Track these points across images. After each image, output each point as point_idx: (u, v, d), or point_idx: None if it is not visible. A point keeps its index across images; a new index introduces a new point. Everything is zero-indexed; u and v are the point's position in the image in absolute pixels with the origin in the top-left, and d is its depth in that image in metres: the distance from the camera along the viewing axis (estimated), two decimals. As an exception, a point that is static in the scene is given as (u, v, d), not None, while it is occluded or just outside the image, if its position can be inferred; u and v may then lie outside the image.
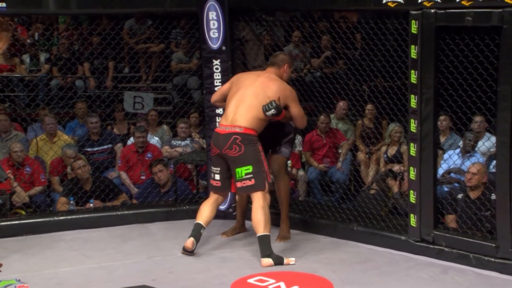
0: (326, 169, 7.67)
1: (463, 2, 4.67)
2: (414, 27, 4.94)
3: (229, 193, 5.81)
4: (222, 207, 6.01)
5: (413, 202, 5.19)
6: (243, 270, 4.94)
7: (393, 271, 4.94)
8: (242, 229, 5.84)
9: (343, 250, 5.42)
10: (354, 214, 5.86)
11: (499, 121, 4.69)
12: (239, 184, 5.14)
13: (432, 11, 4.84)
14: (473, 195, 5.46)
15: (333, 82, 6.46)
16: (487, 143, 6.28)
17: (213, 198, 5.33)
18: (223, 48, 6.04)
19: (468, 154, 6.43)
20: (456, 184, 6.15)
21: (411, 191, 5.21)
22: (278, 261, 5.00)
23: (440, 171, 6.14)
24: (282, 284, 4.63)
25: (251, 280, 4.73)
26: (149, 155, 7.42)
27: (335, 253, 5.33)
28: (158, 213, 6.33)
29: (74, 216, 6.19)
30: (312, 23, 7.39)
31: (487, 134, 6.64)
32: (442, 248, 5.09)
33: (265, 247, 5.01)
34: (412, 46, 4.98)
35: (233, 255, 5.32)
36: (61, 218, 6.14)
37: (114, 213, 6.26)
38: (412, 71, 5.02)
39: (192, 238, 5.21)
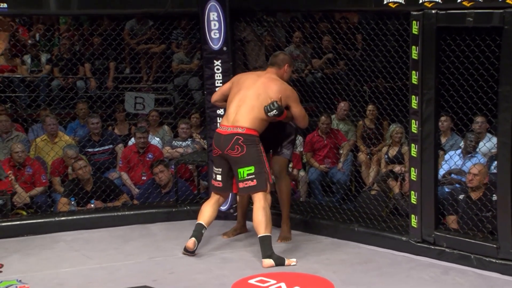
0: (327, 169, 7.67)
1: (464, 2, 4.67)
2: (415, 28, 4.94)
3: (230, 194, 5.81)
4: (223, 208, 6.01)
5: (414, 202, 5.19)
6: (244, 271, 4.94)
7: (394, 272, 4.94)
8: (243, 230, 5.84)
9: (344, 250, 5.42)
10: (355, 214, 5.86)
11: (500, 122, 4.69)
12: (241, 185, 5.14)
13: (433, 11, 4.84)
14: (474, 196, 5.46)
15: (334, 83, 6.46)
16: (488, 144, 6.27)
17: (214, 198, 5.34)
18: (224, 48, 6.05)
19: (469, 155, 6.42)
20: (457, 185, 6.15)
21: (412, 192, 5.20)
22: (279, 262, 5.00)
23: (441, 172, 6.14)
24: (283, 285, 4.63)
25: (252, 281, 4.73)
26: (150, 155, 7.42)
27: (336, 254, 5.33)
28: (159, 213, 6.34)
29: (75, 217, 6.20)
30: (313, 23, 7.40)
31: (488, 135, 6.63)
32: (443, 249, 5.09)
33: (266, 248, 5.01)
34: (413, 47, 4.98)
35: (234, 256, 5.32)
36: (62, 218, 6.14)
37: (115, 214, 6.26)
38: (413, 72, 5.02)
39: (193, 239, 5.21)
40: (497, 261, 4.81)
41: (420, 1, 4.88)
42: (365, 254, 5.34)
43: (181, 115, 8.09)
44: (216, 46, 6.06)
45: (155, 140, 7.90)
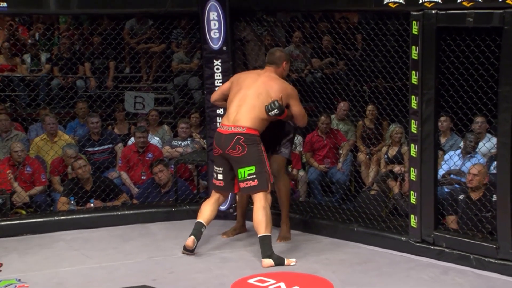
0: (327, 169, 7.67)
1: (464, 3, 4.67)
2: (415, 28, 4.94)
3: (230, 193, 5.82)
4: (222, 208, 6.02)
5: (414, 203, 5.19)
6: (243, 271, 4.94)
7: (394, 272, 4.94)
8: (242, 230, 5.84)
9: (343, 250, 5.42)
10: (354, 214, 5.86)
11: (500, 122, 4.69)
12: (241, 185, 5.14)
13: (433, 12, 4.84)
14: (474, 196, 5.46)
15: (334, 83, 6.46)
16: (487, 144, 6.28)
17: (214, 197, 5.34)
18: (224, 48, 6.05)
19: (469, 155, 6.42)
20: (456, 186, 6.15)
21: (412, 192, 5.20)
22: (279, 261, 5.00)
23: (441, 172, 6.14)
24: (282, 285, 4.63)
25: (251, 281, 4.73)
26: (149, 155, 7.42)
27: (335, 254, 5.33)
28: (159, 213, 6.34)
29: (74, 216, 6.20)
30: (312, 23, 7.39)
31: (488, 135, 6.63)
32: (443, 249, 5.09)
33: (266, 248, 5.01)
34: (413, 47, 4.98)
35: (233, 256, 5.32)
36: (62, 218, 6.14)
37: (115, 213, 6.27)
38: (413, 72, 5.02)
39: (192, 237, 5.22)
40: (496, 261, 4.81)
41: (420, 1, 4.89)
42: (365, 254, 5.34)
43: (180, 114, 8.09)
44: (216, 46, 6.06)
45: (154, 140, 7.90)
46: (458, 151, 6.54)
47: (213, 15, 5.99)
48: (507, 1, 4.49)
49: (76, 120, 8.45)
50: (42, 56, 9.85)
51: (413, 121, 5.09)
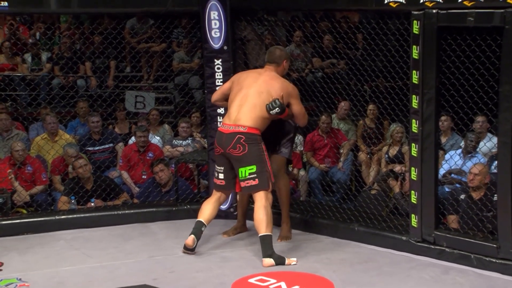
0: (327, 169, 7.67)
1: (465, 2, 4.67)
2: (415, 28, 4.93)
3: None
4: (223, 207, 6.02)
5: (414, 202, 5.19)
6: (244, 270, 4.94)
7: (394, 271, 4.94)
8: (243, 229, 5.84)
9: (344, 250, 5.42)
10: (355, 214, 5.86)
11: (501, 122, 4.69)
12: (242, 184, 5.14)
13: (434, 11, 4.83)
14: (475, 195, 5.46)
15: (335, 82, 6.46)
16: (488, 143, 6.27)
17: (215, 196, 5.34)
18: (225, 47, 6.04)
19: (470, 155, 6.42)
20: (457, 185, 6.15)
21: (412, 192, 5.20)
22: (280, 261, 5.00)
23: (442, 171, 6.14)
24: (283, 284, 4.63)
25: (252, 280, 4.73)
26: (150, 154, 7.42)
27: (336, 253, 5.33)
28: (159, 212, 6.34)
29: (75, 215, 6.20)
30: (313, 23, 7.39)
31: (489, 134, 6.63)
32: (443, 248, 5.09)
33: (266, 247, 5.01)
34: (414, 47, 4.98)
35: (234, 255, 5.32)
36: (62, 217, 6.14)
37: (115, 213, 6.26)
38: (414, 72, 5.01)
39: (192, 236, 5.22)
40: (497, 261, 4.81)
41: (421, 1, 4.88)
42: (365, 253, 5.33)
43: (181, 114, 8.09)
44: (216, 45, 6.06)
45: (155, 139, 7.90)
46: (459, 151, 6.54)
47: (213, 14, 5.98)
48: (508, 1, 4.49)
49: (77, 120, 8.46)
50: (43, 56, 9.85)
51: (413, 120, 5.09)
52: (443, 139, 7.00)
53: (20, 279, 4.81)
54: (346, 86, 7.69)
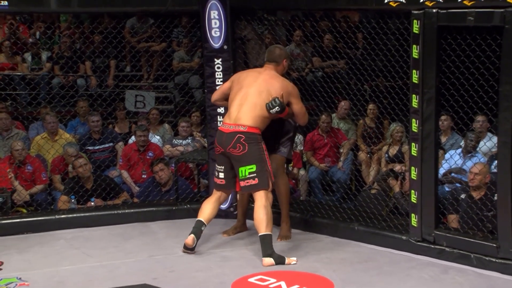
0: (327, 168, 7.67)
1: (465, 2, 4.67)
2: (416, 27, 4.93)
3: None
4: (223, 206, 6.02)
5: (414, 202, 5.19)
6: (244, 269, 4.94)
7: (394, 271, 4.94)
8: (243, 228, 5.84)
9: (344, 249, 5.42)
10: (355, 213, 5.86)
11: (501, 121, 4.69)
12: (242, 183, 5.14)
13: (434, 11, 4.83)
14: (475, 195, 5.46)
15: (335, 82, 6.46)
16: (488, 143, 6.27)
17: (215, 196, 5.34)
18: (225, 47, 6.04)
19: (470, 154, 6.42)
20: (457, 185, 6.15)
21: (412, 191, 5.20)
22: (280, 260, 5.00)
23: (441, 171, 6.14)
24: (282, 284, 4.63)
25: (251, 279, 4.73)
26: (150, 154, 7.42)
27: (336, 253, 5.33)
28: (159, 212, 6.34)
29: (75, 215, 6.20)
30: (313, 22, 7.39)
31: (489, 134, 6.63)
32: (443, 248, 5.09)
33: (266, 247, 5.01)
34: (414, 46, 4.98)
35: (234, 254, 5.32)
36: (62, 216, 6.14)
37: (115, 212, 6.26)
38: (414, 71, 5.01)
39: (192, 235, 5.22)
40: (497, 261, 4.81)
41: (421, 0, 4.88)
42: (365, 253, 5.33)
43: (181, 113, 8.09)
44: (216, 45, 6.06)
45: (155, 138, 7.90)
46: (459, 150, 6.54)
47: (213, 13, 5.98)
48: (508, 0, 4.49)
49: (77, 119, 8.46)
50: (43, 55, 9.85)
51: (413, 120, 5.09)
52: (443, 139, 7.00)
53: (20, 278, 4.81)
54: (346, 85, 7.69)
